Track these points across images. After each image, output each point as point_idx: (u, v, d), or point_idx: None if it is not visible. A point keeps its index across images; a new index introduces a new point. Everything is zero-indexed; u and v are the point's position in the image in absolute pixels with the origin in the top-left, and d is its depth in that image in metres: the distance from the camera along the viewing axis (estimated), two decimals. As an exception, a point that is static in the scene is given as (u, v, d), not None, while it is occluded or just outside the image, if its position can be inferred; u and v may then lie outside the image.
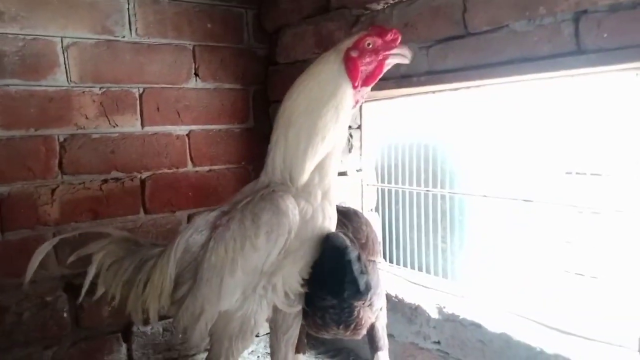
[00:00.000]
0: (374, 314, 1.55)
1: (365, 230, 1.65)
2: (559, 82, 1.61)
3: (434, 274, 2.17)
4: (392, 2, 1.95)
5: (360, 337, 1.57)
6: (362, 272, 1.38)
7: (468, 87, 1.79)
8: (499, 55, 1.56)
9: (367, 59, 1.40)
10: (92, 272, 1.53)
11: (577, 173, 1.84)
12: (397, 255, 2.36)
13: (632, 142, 1.49)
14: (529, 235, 1.92)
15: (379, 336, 1.66)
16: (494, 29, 1.57)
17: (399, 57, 1.42)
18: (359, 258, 1.39)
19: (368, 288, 1.42)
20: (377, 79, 1.44)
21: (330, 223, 1.48)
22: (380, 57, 1.40)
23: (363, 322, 1.47)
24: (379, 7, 2.00)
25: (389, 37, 1.41)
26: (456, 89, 1.85)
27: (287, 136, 1.41)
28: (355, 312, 1.43)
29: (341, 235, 1.41)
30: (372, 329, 1.63)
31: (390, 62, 1.43)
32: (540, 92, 1.74)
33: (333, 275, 1.38)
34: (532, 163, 1.89)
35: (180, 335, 1.47)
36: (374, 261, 1.64)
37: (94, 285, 1.56)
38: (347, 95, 1.40)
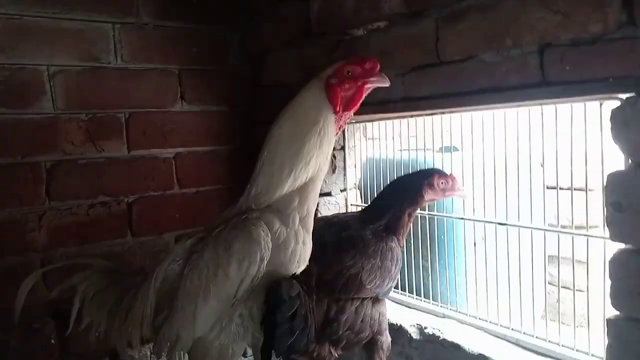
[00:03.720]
0: (340, 350, 1.60)
1: (336, 268, 1.64)
2: (528, 108, 1.65)
3: (416, 293, 2.20)
4: (370, 28, 2.00)
5: None
6: (287, 334, 1.34)
7: (443, 113, 1.84)
8: (470, 85, 1.60)
9: (347, 86, 1.44)
10: (76, 303, 1.56)
11: (548, 187, 1.87)
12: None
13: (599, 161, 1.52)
14: (511, 253, 1.95)
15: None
16: (465, 59, 1.62)
17: (377, 82, 1.46)
18: (293, 317, 1.35)
19: (292, 349, 1.37)
20: (358, 104, 1.48)
21: (303, 249, 1.49)
22: (359, 83, 1.45)
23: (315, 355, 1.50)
24: (359, 32, 2.05)
25: (367, 65, 1.45)
26: (431, 114, 1.89)
27: (273, 162, 1.45)
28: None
29: (284, 290, 1.37)
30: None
31: (369, 87, 1.46)
32: (511, 114, 1.78)
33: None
34: (510, 181, 1.91)
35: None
36: (351, 299, 1.64)
37: (80, 314, 1.58)
38: (329, 121, 1.45)
